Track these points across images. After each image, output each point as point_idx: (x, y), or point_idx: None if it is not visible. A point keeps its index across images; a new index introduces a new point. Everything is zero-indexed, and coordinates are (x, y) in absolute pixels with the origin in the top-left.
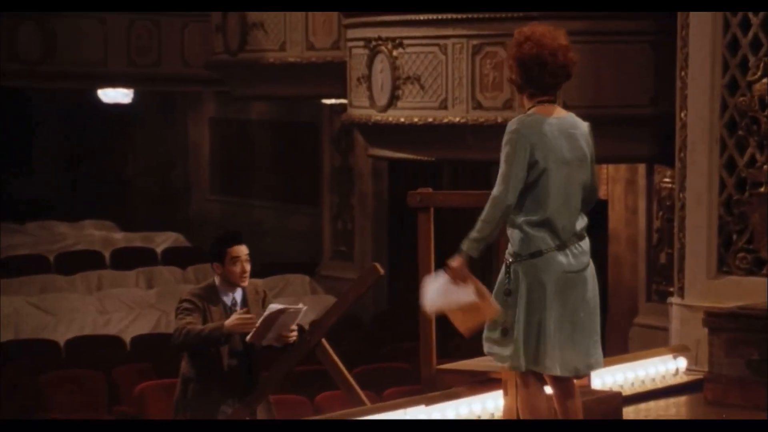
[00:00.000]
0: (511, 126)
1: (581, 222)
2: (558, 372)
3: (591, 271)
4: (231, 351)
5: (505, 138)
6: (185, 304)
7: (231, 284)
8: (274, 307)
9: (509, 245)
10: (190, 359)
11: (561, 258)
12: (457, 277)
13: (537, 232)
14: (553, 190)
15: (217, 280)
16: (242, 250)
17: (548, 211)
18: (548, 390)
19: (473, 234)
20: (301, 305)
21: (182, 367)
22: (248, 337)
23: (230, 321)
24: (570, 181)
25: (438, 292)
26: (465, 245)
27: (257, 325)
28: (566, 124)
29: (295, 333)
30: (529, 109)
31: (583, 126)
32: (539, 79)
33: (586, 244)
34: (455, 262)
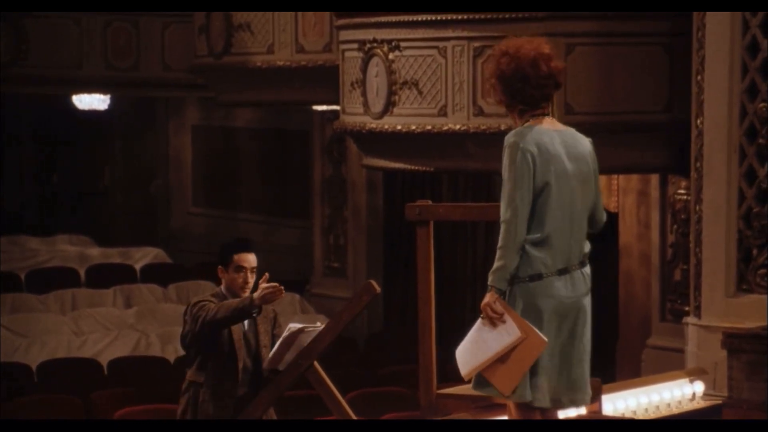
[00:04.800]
0: (509, 139)
1: (586, 246)
2: (548, 404)
3: (589, 299)
4: (243, 366)
5: (505, 153)
6: (201, 303)
7: (233, 294)
8: (294, 326)
9: None
10: (201, 364)
11: (560, 284)
12: (492, 314)
13: (538, 253)
14: (553, 206)
15: (222, 288)
16: (249, 259)
17: (548, 228)
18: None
19: (496, 264)
20: (319, 324)
21: (190, 375)
22: (265, 363)
23: (258, 293)
24: (573, 198)
25: (472, 343)
26: (491, 279)
27: (275, 347)
28: (567, 138)
29: None
30: (523, 123)
31: (586, 142)
32: (524, 93)
33: (587, 270)
34: (487, 298)
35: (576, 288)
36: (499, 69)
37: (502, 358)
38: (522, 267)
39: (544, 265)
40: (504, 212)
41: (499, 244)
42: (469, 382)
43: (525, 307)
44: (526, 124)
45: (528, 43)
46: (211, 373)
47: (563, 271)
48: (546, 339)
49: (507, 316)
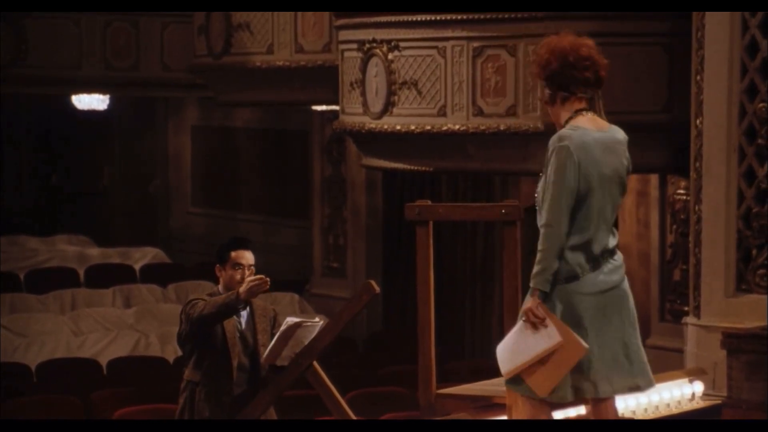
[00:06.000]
0: (558, 143)
1: (614, 239)
2: (599, 394)
3: (627, 285)
4: (240, 365)
5: (553, 155)
6: (194, 301)
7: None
8: (291, 320)
9: None
10: (197, 362)
11: (596, 278)
12: (535, 318)
13: (574, 256)
14: (594, 211)
15: (219, 287)
16: (247, 256)
17: (590, 233)
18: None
19: (537, 267)
20: (317, 319)
21: (187, 374)
22: (263, 359)
23: (243, 287)
24: (607, 199)
25: (513, 343)
26: (533, 282)
27: (273, 341)
28: (608, 139)
29: None
30: (567, 121)
31: (624, 139)
32: (579, 78)
33: (619, 257)
34: (529, 302)
35: (612, 276)
36: (549, 70)
37: (541, 360)
38: (559, 269)
39: (580, 266)
40: (547, 215)
41: (540, 246)
42: (464, 380)
43: (565, 307)
44: (570, 123)
45: (558, 38)
46: (207, 372)
47: (596, 267)
48: (586, 345)
49: (548, 321)
